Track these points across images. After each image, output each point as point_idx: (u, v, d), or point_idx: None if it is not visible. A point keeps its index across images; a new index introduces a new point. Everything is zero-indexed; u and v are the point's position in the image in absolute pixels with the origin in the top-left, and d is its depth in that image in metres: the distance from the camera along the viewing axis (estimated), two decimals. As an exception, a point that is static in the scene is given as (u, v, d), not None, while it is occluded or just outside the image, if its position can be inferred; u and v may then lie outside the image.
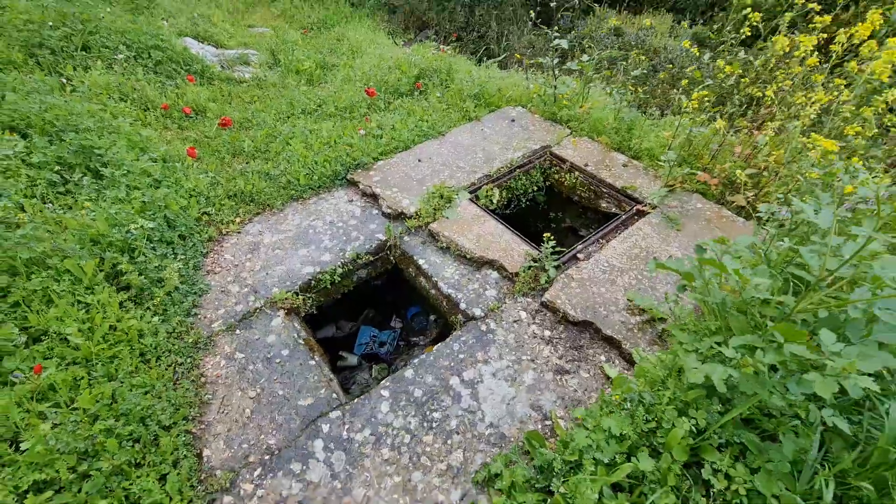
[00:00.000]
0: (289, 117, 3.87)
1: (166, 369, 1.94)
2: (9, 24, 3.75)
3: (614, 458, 1.46)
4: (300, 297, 2.39)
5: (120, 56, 3.98)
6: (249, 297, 2.32)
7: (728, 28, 2.93)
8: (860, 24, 2.10)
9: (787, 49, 2.50)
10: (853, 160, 1.87)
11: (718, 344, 1.51)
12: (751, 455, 1.42)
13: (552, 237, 2.48)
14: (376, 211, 2.91)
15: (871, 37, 2.46)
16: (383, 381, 2.01)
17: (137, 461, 1.61)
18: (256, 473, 1.69)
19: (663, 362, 1.66)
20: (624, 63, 4.73)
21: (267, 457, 1.74)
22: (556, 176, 3.43)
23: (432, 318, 3.08)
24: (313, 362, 2.08)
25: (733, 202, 2.76)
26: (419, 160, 3.31)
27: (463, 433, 1.81)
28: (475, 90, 4.14)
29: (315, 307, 2.50)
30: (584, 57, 3.65)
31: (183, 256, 2.42)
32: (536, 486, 1.53)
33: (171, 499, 1.55)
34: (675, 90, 4.61)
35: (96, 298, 1.99)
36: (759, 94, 2.84)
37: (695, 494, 1.38)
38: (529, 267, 2.46)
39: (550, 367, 2.04)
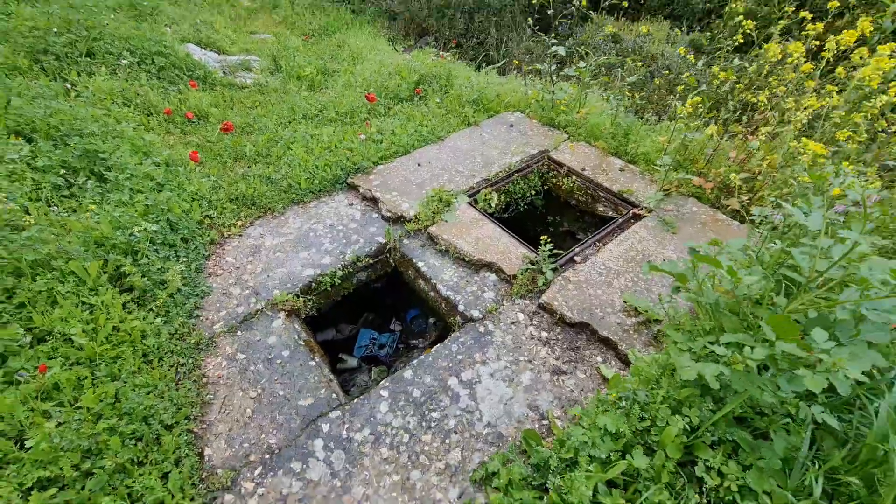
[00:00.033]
0: (290, 122, 3.92)
1: (168, 370, 1.97)
2: (14, 30, 3.81)
3: (609, 455, 1.49)
4: (301, 299, 2.42)
5: (124, 62, 4.04)
6: (250, 298, 2.35)
7: (722, 35, 2.98)
8: (845, 31, 2.15)
9: (780, 56, 2.56)
10: (843, 164, 1.91)
11: (711, 343, 1.54)
12: (743, 453, 1.45)
13: (549, 240, 2.51)
14: (376, 214, 2.95)
15: (862, 43, 2.51)
16: (382, 382, 2.03)
17: (140, 459, 1.64)
18: (257, 472, 1.71)
19: (658, 362, 1.69)
20: (621, 69, 4.79)
21: (267, 456, 1.76)
22: (554, 180, 3.47)
23: (431, 320, 3.11)
24: (313, 363, 2.11)
25: (728, 206, 2.80)
26: (419, 164, 3.36)
27: (461, 433, 1.83)
28: (474, 96, 4.19)
29: (315, 309, 2.53)
30: (581, 63, 3.71)
31: (185, 259, 2.46)
32: (533, 483, 1.56)
33: (172, 496, 1.57)
34: (671, 96, 4.67)
35: (100, 300, 2.02)
36: (754, 99, 2.89)
37: (688, 491, 1.41)
38: (527, 269, 2.49)
39: (547, 367, 2.07)
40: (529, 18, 6.08)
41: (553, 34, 4.10)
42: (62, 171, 2.57)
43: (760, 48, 2.86)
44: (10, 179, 2.38)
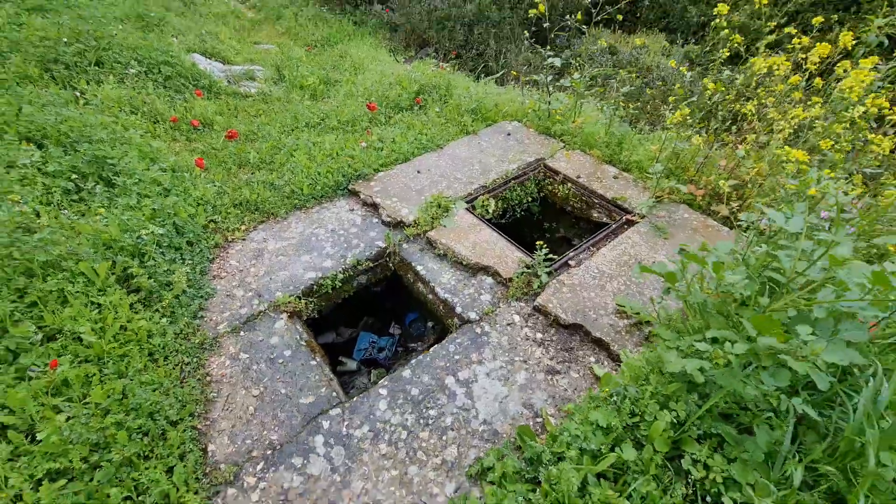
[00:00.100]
0: (293, 130, 4.01)
1: (174, 368, 2.03)
2: (25, 40, 3.92)
3: (600, 448, 1.54)
4: (302, 301, 2.48)
5: (131, 71, 4.15)
6: (253, 300, 2.42)
7: (710, 48, 3.09)
8: (818, 45, 2.25)
9: (766, 70, 2.66)
10: (826, 171, 1.99)
11: (698, 341, 1.61)
12: (728, 446, 1.50)
13: (545, 245, 2.59)
14: (376, 220, 3.03)
15: (846, 56, 2.61)
16: (381, 381, 2.09)
17: (146, 453, 1.69)
18: (259, 467, 1.76)
19: (647, 359, 1.75)
20: (615, 80, 4.91)
21: (269, 451, 1.81)
22: (550, 187, 3.56)
23: (430, 324, 3.17)
24: (314, 363, 2.17)
25: (718, 212, 2.88)
26: (418, 172, 3.44)
27: (457, 430, 1.89)
28: (473, 105, 4.30)
29: (316, 311, 2.60)
30: (576, 75, 3.82)
31: (190, 261, 2.52)
32: (526, 476, 1.61)
33: (177, 490, 1.62)
34: (664, 106, 4.78)
35: (108, 300, 2.09)
36: (743, 110, 2.99)
37: (675, 483, 1.46)
38: (523, 273, 2.56)
39: (542, 367, 2.13)
40: (527, 31, 6.24)
41: (549, 46, 4.23)
42: (72, 176, 2.65)
43: (746, 62, 2.97)
44: (22, 184, 2.46)
